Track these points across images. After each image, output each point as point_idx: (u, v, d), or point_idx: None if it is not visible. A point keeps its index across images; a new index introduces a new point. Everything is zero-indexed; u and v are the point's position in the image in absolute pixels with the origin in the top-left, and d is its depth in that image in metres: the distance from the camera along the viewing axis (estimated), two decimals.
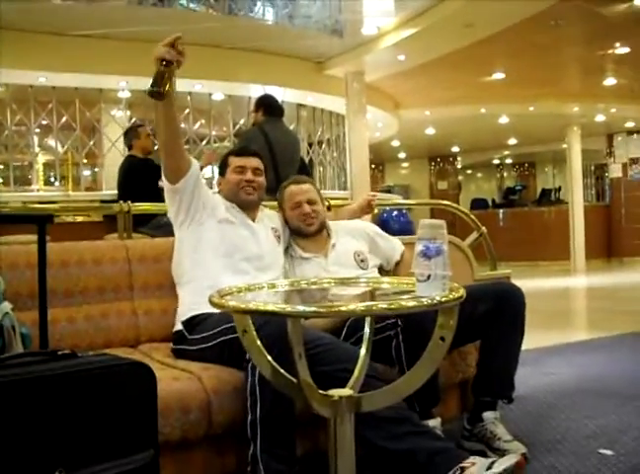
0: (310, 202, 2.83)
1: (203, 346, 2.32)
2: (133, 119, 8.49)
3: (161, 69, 2.12)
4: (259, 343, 1.69)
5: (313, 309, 1.46)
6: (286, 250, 2.87)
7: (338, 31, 8.04)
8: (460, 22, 7.01)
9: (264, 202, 2.89)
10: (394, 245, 3.05)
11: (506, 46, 8.15)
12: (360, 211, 3.24)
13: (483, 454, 2.32)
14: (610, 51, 8.60)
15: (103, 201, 5.59)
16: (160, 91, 2.14)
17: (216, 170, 8.31)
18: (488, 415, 2.52)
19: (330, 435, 1.64)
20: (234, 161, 2.76)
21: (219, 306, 1.52)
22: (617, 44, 8.34)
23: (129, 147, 5.47)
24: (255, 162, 2.77)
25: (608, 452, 2.51)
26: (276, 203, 3.07)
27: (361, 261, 2.82)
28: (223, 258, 2.55)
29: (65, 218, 5.71)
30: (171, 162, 2.48)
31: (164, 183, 2.56)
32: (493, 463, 1.90)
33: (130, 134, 5.44)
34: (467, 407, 2.80)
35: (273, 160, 4.44)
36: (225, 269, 2.52)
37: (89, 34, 6.94)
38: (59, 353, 1.38)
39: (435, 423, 2.39)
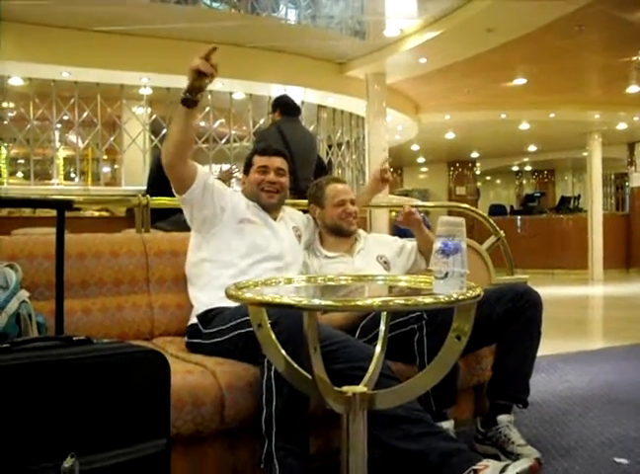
0: (352, 203, 2.86)
1: (218, 339, 2.31)
2: (154, 116, 8.52)
3: (196, 80, 2.19)
4: (274, 337, 1.68)
5: (329, 302, 1.45)
6: (311, 249, 2.87)
7: (360, 32, 8.04)
8: (482, 26, 6.99)
9: None
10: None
11: (527, 52, 8.10)
12: (375, 186, 3.13)
13: (496, 458, 2.30)
14: (634, 58, 8.52)
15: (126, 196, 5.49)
16: (194, 99, 2.24)
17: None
18: (502, 418, 2.49)
19: (343, 433, 1.63)
20: (258, 160, 2.73)
21: (235, 298, 1.51)
22: None
23: None
24: (278, 162, 2.74)
25: (624, 461, 2.47)
26: (293, 202, 3.06)
27: (384, 262, 2.84)
28: (244, 257, 2.54)
29: (84, 213, 5.75)
30: (175, 171, 2.42)
31: (174, 193, 2.52)
32: (506, 466, 1.89)
33: None
34: (481, 411, 2.78)
35: (290, 159, 4.43)
36: (245, 268, 2.51)
37: (112, 30, 6.98)
38: (74, 338, 1.39)
39: (448, 424, 2.37)
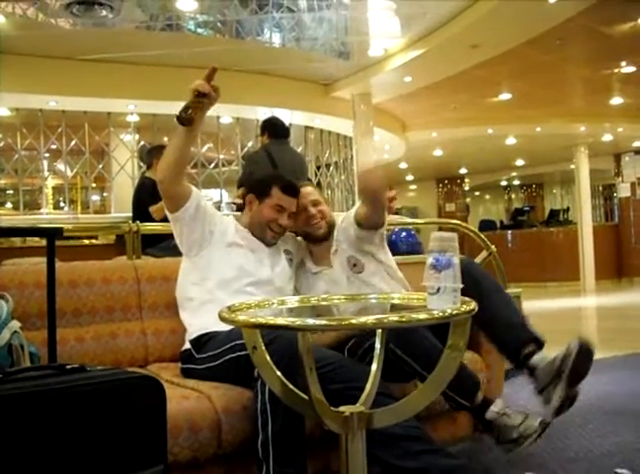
0: (315, 204, 2.72)
1: (210, 365, 2.29)
2: (142, 143, 8.53)
3: (194, 99, 2.22)
4: (269, 359, 1.67)
5: (324, 322, 1.44)
6: (301, 267, 2.83)
7: (344, 53, 8.11)
8: (466, 43, 7.06)
9: None
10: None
11: (512, 67, 8.18)
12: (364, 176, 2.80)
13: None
14: (616, 70, 8.64)
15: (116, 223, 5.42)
16: (189, 117, 2.23)
17: (224, 193, 8.20)
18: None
19: (342, 453, 1.61)
20: (278, 196, 2.62)
21: (229, 321, 1.50)
22: (623, 64, 8.37)
23: (148, 166, 5.07)
24: (295, 204, 2.66)
25: (625, 472, 2.46)
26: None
27: (354, 265, 2.70)
28: (232, 282, 2.51)
29: (74, 241, 5.72)
30: (170, 189, 2.43)
31: (165, 211, 2.53)
32: None
33: (152, 153, 5.00)
34: (480, 427, 2.76)
35: None
36: (234, 293, 2.47)
37: (98, 58, 7.01)
38: (68, 366, 1.37)
39: (499, 405, 2.30)
